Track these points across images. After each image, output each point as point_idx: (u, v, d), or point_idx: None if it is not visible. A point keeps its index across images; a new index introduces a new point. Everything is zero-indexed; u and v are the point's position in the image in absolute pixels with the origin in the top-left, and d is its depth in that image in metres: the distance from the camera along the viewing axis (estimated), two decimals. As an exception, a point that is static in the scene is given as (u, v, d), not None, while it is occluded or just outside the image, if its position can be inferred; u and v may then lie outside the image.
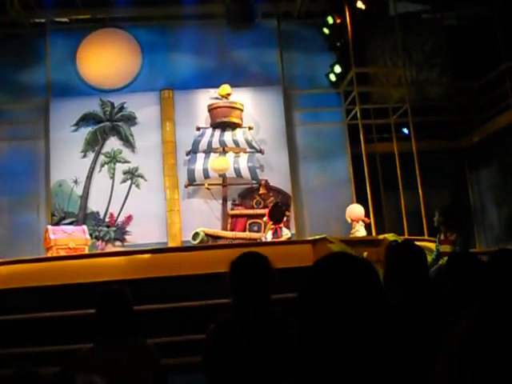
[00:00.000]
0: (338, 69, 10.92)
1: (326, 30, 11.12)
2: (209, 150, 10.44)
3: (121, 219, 10.26)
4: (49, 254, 8.28)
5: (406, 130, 10.77)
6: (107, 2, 10.70)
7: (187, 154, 10.43)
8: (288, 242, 7.95)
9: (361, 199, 9.80)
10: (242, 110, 10.69)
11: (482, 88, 10.43)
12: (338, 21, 10.84)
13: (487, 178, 10.88)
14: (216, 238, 8.98)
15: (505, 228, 10.45)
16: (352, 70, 10.36)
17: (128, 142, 10.56)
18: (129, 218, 10.26)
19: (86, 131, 10.51)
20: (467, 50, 10.74)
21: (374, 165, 10.50)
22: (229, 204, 10.38)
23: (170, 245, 9.76)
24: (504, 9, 10.13)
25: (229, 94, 10.66)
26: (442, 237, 6.21)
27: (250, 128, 10.58)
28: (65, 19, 11.18)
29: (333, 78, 11.06)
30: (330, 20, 10.95)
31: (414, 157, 9.77)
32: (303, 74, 11.29)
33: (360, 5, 10.55)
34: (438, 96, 11.76)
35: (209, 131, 10.56)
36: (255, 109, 10.86)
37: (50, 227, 8.32)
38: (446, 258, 4.66)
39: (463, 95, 11.34)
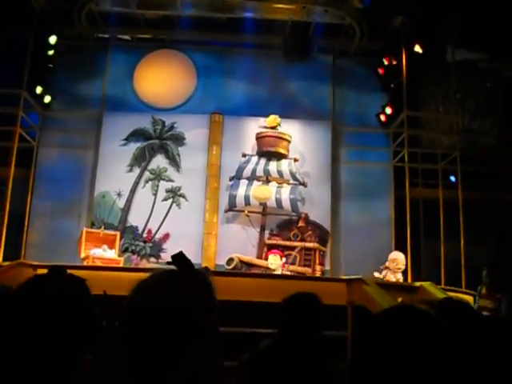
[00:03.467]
0: (389, 110, 10.89)
1: (380, 70, 11.11)
2: (252, 178, 10.50)
3: (158, 236, 10.37)
4: (85, 263, 8.45)
5: (452, 178, 10.60)
6: (169, 23, 11.01)
7: (230, 179, 10.51)
8: (323, 278, 7.87)
9: (400, 243, 9.65)
10: (289, 142, 10.74)
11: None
12: (394, 62, 10.84)
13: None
14: (250, 265, 8.97)
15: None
16: (403, 112, 10.31)
17: (174, 162, 10.71)
18: (166, 236, 10.35)
19: (134, 146, 10.74)
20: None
21: (416, 209, 10.34)
22: (266, 233, 10.36)
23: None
24: None
25: (277, 125, 10.73)
26: (484, 291, 6.04)
27: (295, 160, 10.61)
28: (127, 37, 11.54)
29: (383, 118, 11.03)
30: (386, 61, 10.95)
31: (460, 205, 9.59)
32: (353, 112, 11.29)
33: (418, 48, 10.54)
34: (489, 147, 11.55)
35: (254, 159, 10.64)
36: (302, 141, 10.89)
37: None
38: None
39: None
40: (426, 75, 11.44)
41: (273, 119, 10.69)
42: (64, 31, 10.72)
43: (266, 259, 9.35)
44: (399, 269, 8.28)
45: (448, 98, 11.05)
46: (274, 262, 8.77)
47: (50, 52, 10.38)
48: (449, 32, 10.50)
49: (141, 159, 10.70)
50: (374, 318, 1.22)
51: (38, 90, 10.29)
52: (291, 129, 10.83)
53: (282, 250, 9.70)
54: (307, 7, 10.34)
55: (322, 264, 9.94)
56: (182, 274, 1.28)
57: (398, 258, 8.35)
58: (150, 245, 10.31)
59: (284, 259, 9.08)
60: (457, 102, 10.86)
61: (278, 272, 8.57)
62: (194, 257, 8.67)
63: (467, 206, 9.70)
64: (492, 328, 2.67)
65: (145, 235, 10.37)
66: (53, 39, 10.31)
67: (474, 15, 9.94)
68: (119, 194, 10.49)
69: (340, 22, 10.69)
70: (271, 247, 9.92)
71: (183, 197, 10.57)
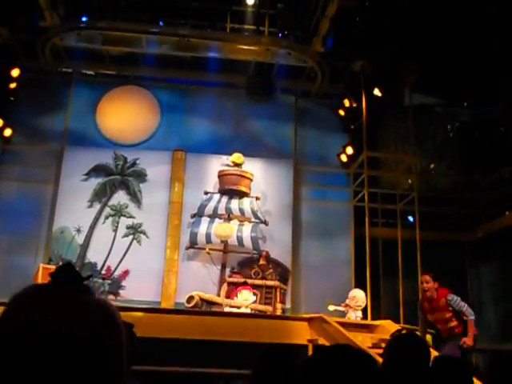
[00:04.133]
0: (349, 150, 11.11)
1: (341, 112, 11.39)
2: (214, 216, 10.50)
3: (117, 273, 10.19)
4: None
5: (411, 218, 10.82)
6: (134, 60, 11.09)
7: (192, 217, 10.48)
8: (284, 317, 7.84)
9: (360, 281, 9.73)
10: (251, 180, 10.81)
11: (489, 185, 10.55)
12: (354, 104, 11.14)
13: (487, 274, 10.82)
14: (211, 303, 8.87)
15: (501, 327, 10.29)
16: (363, 153, 10.54)
17: (135, 198, 10.64)
18: (125, 273, 10.19)
19: (95, 182, 10.62)
20: (477, 145, 10.95)
21: (375, 248, 10.48)
22: (227, 271, 10.32)
23: (163, 305, 9.64)
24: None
25: (240, 163, 10.81)
26: None
27: (257, 198, 10.66)
28: (91, 72, 11.55)
29: (344, 158, 11.24)
30: (347, 103, 11.25)
31: (417, 245, 9.77)
32: (315, 152, 11.48)
33: (377, 92, 10.87)
34: (446, 188, 11.88)
35: (216, 197, 10.65)
36: (264, 180, 10.98)
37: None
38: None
39: (471, 190, 11.47)
40: (385, 118, 11.79)
41: (237, 157, 10.77)
42: (27, 64, 10.67)
43: (227, 298, 9.27)
44: (359, 306, 8.34)
45: (407, 140, 11.36)
46: (248, 297, 8.66)
47: (12, 85, 10.29)
48: (407, 77, 10.90)
49: (101, 195, 10.59)
50: (309, 357, 1.24)
51: (-1, 122, 10.17)
52: (254, 167, 10.93)
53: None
54: (271, 49, 10.58)
55: (282, 302, 9.92)
56: (66, 292, 0.91)
57: (358, 296, 8.42)
58: (109, 282, 10.11)
59: (254, 297, 8.97)
60: (415, 144, 11.18)
61: (248, 310, 8.48)
62: (153, 294, 8.58)
63: (425, 246, 9.89)
64: (443, 366, 2.73)
65: (104, 272, 10.18)
66: (15, 72, 10.24)
67: (431, 61, 10.36)
68: (78, 230, 10.31)
69: (302, 65, 10.95)
70: (232, 285, 9.85)
71: (144, 233, 10.46)
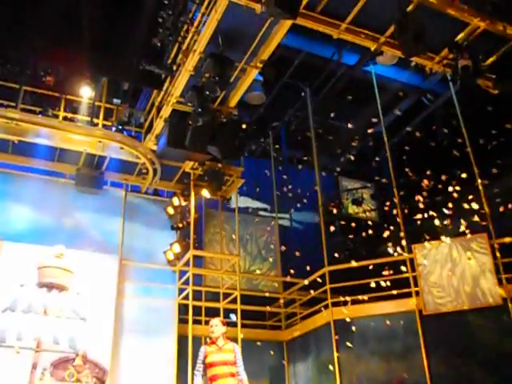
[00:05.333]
0: (176, 248, 11.21)
1: (170, 210, 11.58)
2: (28, 310, 9.68)
3: None
4: None
5: (233, 317, 11.01)
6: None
7: (3, 311, 9.54)
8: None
9: (182, 380, 9.50)
10: (72, 273, 10.27)
11: (306, 286, 11.23)
12: (184, 203, 11.42)
13: (304, 371, 11.23)
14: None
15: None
16: (190, 251, 10.70)
17: None
18: None
19: None
20: (296, 248, 11.74)
21: (198, 347, 10.35)
22: (37, 372, 9.40)
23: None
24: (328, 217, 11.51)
25: (62, 255, 10.27)
26: None
27: (77, 293, 10.12)
28: None
29: (170, 256, 11.28)
30: (176, 201, 11.49)
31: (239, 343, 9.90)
32: (142, 248, 11.36)
33: (205, 193, 11.29)
34: (267, 288, 12.40)
35: (33, 290, 9.88)
36: (87, 274, 10.47)
37: None
38: None
39: (289, 290, 12.10)
40: (213, 218, 12.22)
41: (57, 249, 10.22)
42: None
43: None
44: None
45: (232, 240, 11.83)
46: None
47: None
48: (234, 180, 11.56)
49: None
50: None
51: None
52: (77, 260, 10.40)
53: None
54: (103, 142, 10.56)
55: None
56: None
57: None
58: None
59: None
60: (239, 244, 11.66)
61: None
62: None
63: (245, 344, 10.02)
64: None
65: None
66: None
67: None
68: None
69: (135, 160, 11.05)
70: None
71: None
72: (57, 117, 10.38)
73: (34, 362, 9.49)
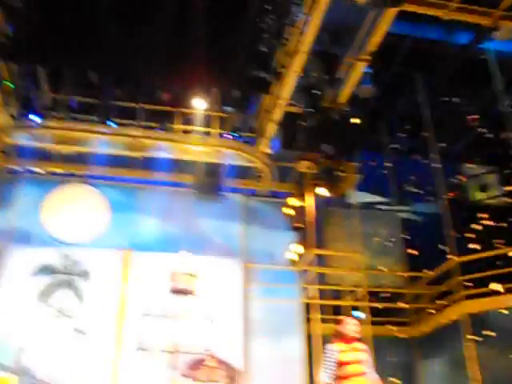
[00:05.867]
0: (298, 248, 11.28)
1: (287, 211, 11.68)
2: (163, 315, 10.21)
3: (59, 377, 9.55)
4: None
5: (359, 314, 10.86)
6: (83, 158, 11.12)
7: (140, 317, 10.14)
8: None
9: (314, 380, 9.51)
10: (199, 278, 10.68)
11: (434, 279, 10.81)
12: (301, 204, 11.47)
13: (437, 368, 10.80)
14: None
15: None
16: (312, 250, 10.71)
17: (80, 298, 10.26)
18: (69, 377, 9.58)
19: (40, 281, 10.22)
20: (420, 241, 11.35)
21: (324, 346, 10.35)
22: (174, 373, 9.88)
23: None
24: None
25: (189, 262, 10.71)
26: None
27: (205, 297, 10.51)
28: (39, 169, 11.44)
29: (291, 256, 11.36)
30: (293, 202, 11.57)
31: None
32: (263, 250, 11.55)
33: (322, 192, 11.25)
34: (392, 283, 12.10)
35: (166, 296, 10.41)
36: (213, 279, 10.86)
37: None
38: None
39: (415, 285, 11.72)
40: (331, 216, 12.15)
41: (184, 255, 10.67)
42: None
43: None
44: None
45: (353, 237, 11.68)
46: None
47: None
48: (351, 176, 11.41)
49: (46, 295, 10.16)
50: None
51: None
52: (203, 266, 10.83)
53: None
54: (219, 150, 10.90)
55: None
56: None
57: None
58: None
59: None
60: (361, 241, 11.49)
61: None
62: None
63: (373, 342, 9.85)
64: None
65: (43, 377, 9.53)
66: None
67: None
68: (15, 332, 9.73)
69: (250, 165, 11.28)
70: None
71: (88, 335, 9.99)
72: (173, 130, 10.85)
73: (171, 364, 9.99)
